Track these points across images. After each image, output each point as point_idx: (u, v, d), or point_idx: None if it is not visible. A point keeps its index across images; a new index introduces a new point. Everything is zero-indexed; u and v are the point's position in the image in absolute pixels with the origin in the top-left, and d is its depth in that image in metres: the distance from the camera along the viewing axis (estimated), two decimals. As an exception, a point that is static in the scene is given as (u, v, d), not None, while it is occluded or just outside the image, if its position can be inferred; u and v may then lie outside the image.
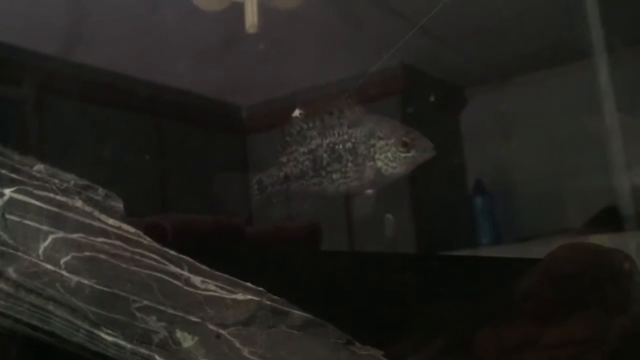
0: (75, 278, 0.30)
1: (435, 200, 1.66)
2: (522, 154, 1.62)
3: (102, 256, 0.30)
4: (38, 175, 0.32)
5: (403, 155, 0.49)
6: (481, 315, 0.38)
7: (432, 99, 1.63)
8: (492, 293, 0.38)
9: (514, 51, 1.56)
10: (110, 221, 0.32)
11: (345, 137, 0.50)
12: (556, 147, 1.58)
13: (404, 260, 0.57)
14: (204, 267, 0.33)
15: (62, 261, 0.30)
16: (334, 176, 0.50)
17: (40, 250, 0.30)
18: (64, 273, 0.30)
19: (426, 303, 0.42)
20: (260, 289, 0.33)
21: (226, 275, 0.34)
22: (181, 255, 0.33)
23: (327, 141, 0.51)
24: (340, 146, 0.50)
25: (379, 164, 0.50)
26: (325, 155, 0.50)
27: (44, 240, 0.30)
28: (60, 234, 0.30)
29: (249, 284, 0.33)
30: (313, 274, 0.45)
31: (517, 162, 1.66)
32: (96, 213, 0.32)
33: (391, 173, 0.50)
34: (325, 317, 0.33)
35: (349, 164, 0.50)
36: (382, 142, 0.50)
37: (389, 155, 0.49)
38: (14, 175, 0.32)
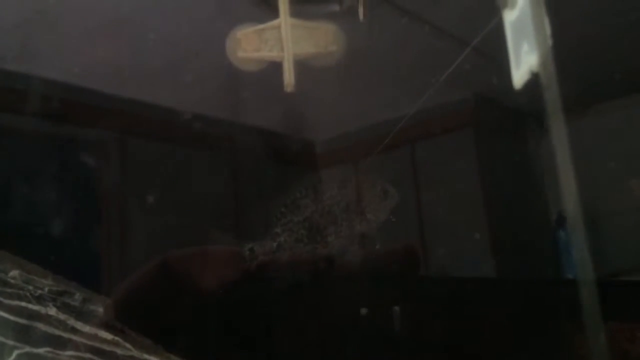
0: (35, 400, 0.28)
1: (516, 234, 1.58)
2: (606, 184, 1.53)
3: (68, 373, 0.29)
4: (12, 282, 0.31)
5: (384, 203, 0.53)
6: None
7: (507, 129, 1.56)
8: None
9: (595, 78, 1.47)
10: (87, 328, 0.31)
11: (338, 198, 0.53)
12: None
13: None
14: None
15: (23, 380, 0.28)
16: (329, 239, 0.53)
17: (4, 367, 0.29)
18: (25, 394, 0.28)
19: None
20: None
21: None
22: (162, 362, 0.31)
23: (322, 206, 0.53)
24: (335, 207, 0.53)
25: (368, 215, 0.53)
26: (321, 220, 0.53)
27: (8, 355, 0.29)
28: (26, 349, 0.29)
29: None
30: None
31: (602, 193, 1.56)
32: (71, 321, 0.30)
33: (377, 222, 0.53)
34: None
35: (343, 223, 0.53)
36: (369, 195, 0.53)
37: (374, 206, 0.53)
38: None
